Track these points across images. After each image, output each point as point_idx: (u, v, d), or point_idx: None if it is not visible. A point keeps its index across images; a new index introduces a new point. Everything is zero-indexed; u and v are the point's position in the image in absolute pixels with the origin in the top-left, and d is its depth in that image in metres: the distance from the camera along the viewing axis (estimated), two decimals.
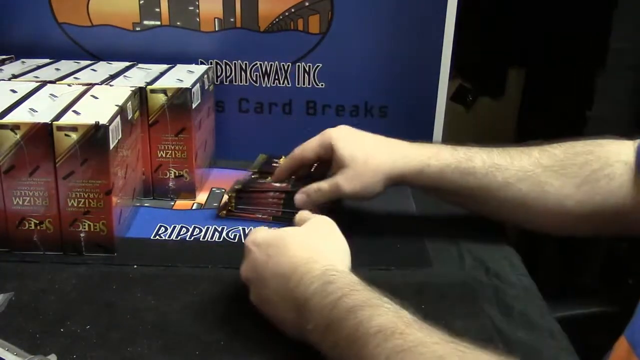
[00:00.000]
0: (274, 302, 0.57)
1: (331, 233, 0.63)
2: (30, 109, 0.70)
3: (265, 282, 0.58)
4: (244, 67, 1.01)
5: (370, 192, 0.74)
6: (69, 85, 0.81)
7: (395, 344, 0.45)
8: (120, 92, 0.78)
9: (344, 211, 0.81)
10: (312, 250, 0.59)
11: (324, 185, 0.76)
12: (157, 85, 0.83)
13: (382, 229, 0.81)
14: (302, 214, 0.67)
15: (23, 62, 0.95)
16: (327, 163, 0.78)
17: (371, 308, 0.49)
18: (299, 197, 0.78)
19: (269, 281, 0.58)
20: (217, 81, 1.01)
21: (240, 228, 0.79)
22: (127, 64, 0.95)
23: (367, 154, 0.74)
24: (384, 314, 0.49)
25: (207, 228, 0.79)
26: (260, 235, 0.61)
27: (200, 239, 0.77)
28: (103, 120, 0.67)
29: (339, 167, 0.75)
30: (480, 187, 0.72)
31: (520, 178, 0.71)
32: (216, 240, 0.77)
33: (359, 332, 0.48)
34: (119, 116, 0.71)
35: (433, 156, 0.73)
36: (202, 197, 0.89)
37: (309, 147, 0.78)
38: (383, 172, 0.73)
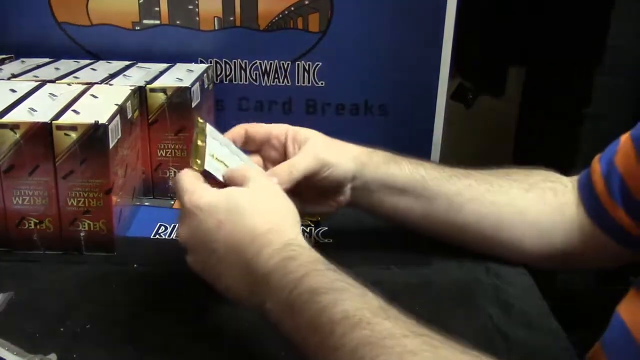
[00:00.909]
0: (225, 273, 0.53)
1: (279, 196, 0.57)
2: (29, 108, 0.70)
3: (215, 252, 0.53)
4: (243, 65, 1.01)
5: (344, 171, 0.66)
6: (69, 84, 0.81)
7: (362, 334, 0.43)
8: (119, 91, 0.78)
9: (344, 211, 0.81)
10: (271, 218, 0.54)
11: (295, 159, 0.65)
12: (157, 84, 0.83)
13: (382, 228, 0.81)
14: (238, 171, 0.59)
15: (23, 61, 0.95)
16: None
17: (335, 292, 0.46)
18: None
19: (219, 251, 0.52)
20: (216, 80, 1.01)
21: None
22: (127, 63, 0.95)
23: (331, 139, 0.68)
24: (349, 299, 0.46)
25: None
26: (205, 197, 0.54)
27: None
28: (102, 120, 0.67)
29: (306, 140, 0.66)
30: (429, 177, 0.67)
31: (466, 175, 0.68)
32: None
33: (323, 318, 0.45)
34: (118, 115, 0.71)
35: (380, 151, 0.69)
36: None
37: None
38: (349, 151, 0.67)
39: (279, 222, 0.54)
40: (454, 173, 0.68)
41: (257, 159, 0.68)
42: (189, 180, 0.56)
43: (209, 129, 0.62)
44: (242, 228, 0.52)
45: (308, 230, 0.77)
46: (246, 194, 0.55)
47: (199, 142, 0.60)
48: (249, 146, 0.67)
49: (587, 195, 0.66)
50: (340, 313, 0.44)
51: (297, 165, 0.64)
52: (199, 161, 0.57)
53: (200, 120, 0.62)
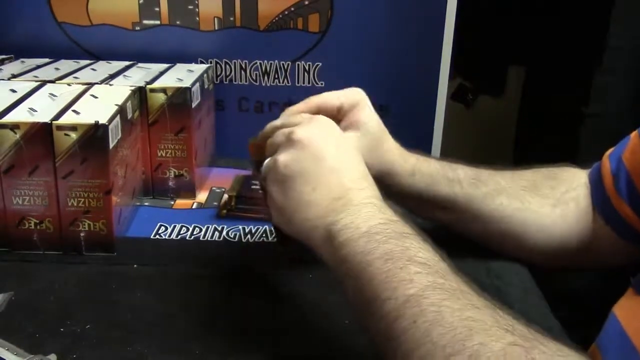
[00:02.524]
0: (318, 177, 0.54)
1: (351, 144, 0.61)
2: (29, 108, 0.70)
3: (321, 155, 0.54)
4: (243, 66, 1.01)
5: (372, 129, 0.66)
6: (69, 84, 0.81)
7: (436, 280, 0.45)
8: (119, 91, 0.78)
9: None
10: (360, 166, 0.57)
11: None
12: (157, 84, 0.83)
13: None
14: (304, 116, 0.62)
15: (23, 61, 0.95)
16: None
17: (421, 240, 0.49)
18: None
19: (327, 158, 0.54)
20: (216, 80, 1.01)
21: (241, 227, 0.79)
22: (127, 63, 0.95)
23: (383, 130, 0.69)
24: (431, 250, 0.48)
25: (207, 227, 0.79)
26: (314, 131, 0.57)
27: (200, 239, 0.77)
28: (103, 120, 0.67)
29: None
30: (464, 197, 0.69)
31: (500, 191, 0.69)
32: (216, 239, 0.77)
33: (403, 255, 0.47)
34: (118, 115, 0.71)
35: (422, 160, 0.70)
36: (202, 196, 0.89)
37: (333, 95, 0.68)
38: (392, 150, 0.69)
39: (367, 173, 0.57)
40: (488, 191, 0.69)
41: None
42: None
43: None
44: (359, 163, 0.56)
45: None
46: (337, 139, 0.58)
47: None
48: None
49: (596, 191, 0.67)
50: (421, 258, 0.47)
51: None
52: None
53: None
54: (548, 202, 0.69)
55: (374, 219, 0.50)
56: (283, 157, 0.55)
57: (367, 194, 0.53)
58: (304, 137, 0.55)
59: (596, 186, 0.67)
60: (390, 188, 0.68)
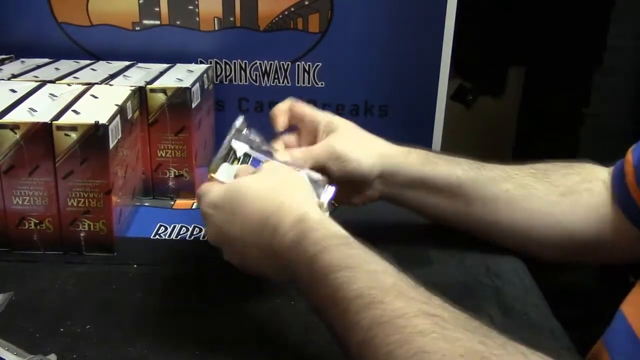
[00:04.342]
0: (252, 258, 0.56)
1: (288, 174, 0.59)
2: (29, 108, 0.70)
3: (237, 241, 0.56)
4: (243, 66, 1.01)
5: (361, 166, 0.67)
6: (69, 84, 0.81)
7: (374, 314, 0.44)
8: (119, 91, 0.78)
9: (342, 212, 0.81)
10: (277, 196, 0.55)
11: (313, 147, 0.68)
12: (157, 84, 0.83)
13: (381, 228, 0.81)
14: (245, 167, 0.63)
15: (22, 61, 0.95)
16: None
17: (348, 270, 0.47)
18: (280, 156, 0.66)
19: (240, 239, 0.56)
20: (216, 80, 1.01)
21: None
22: (127, 63, 0.95)
23: (362, 133, 0.70)
24: (362, 278, 0.47)
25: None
26: (214, 195, 0.58)
27: (200, 239, 0.77)
28: (103, 120, 0.67)
29: (330, 130, 0.69)
30: (466, 179, 0.68)
31: (505, 178, 0.68)
32: None
33: (339, 295, 0.46)
34: (118, 116, 0.71)
35: (418, 150, 0.70)
36: None
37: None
38: (376, 148, 0.69)
39: (286, 199, 0.55)
40: (493, 176, 0.68)
41: (292, 138, 0.71)
42: (202, 186, 0.61)
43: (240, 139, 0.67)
44: (251, 212, 0.55)
45: None
46: (247, 180, 0.58)
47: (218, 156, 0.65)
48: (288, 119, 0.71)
49: (619, 185, 0.66)
50: (353, 291, 0.46)
51: (312, 153, 0.67)
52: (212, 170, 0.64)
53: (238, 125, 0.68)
54: (557, 190, 0.68)
55: (302, 265, 0.50)
56: (223, 255, 0.60)
57: (280, 232, 0.53)
58: (213, 241, 0.60)
59: (618, 179, 0.66)
60: (392, 177, 0.68)
